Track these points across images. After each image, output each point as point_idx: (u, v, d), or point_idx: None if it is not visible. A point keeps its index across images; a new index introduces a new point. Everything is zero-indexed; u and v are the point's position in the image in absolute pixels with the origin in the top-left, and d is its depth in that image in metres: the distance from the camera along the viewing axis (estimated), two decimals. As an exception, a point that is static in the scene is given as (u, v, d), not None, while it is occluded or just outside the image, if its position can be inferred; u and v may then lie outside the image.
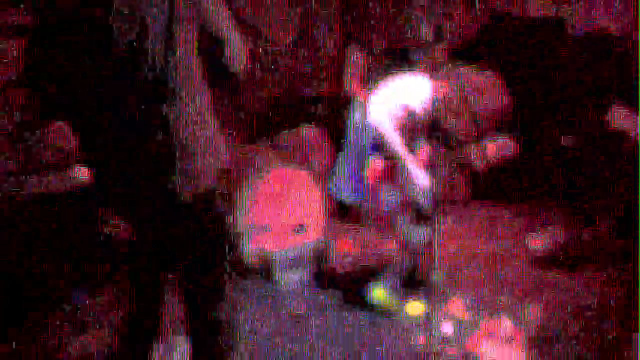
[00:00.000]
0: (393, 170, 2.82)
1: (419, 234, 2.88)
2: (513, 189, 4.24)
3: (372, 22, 4.38)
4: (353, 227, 3.87)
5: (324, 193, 3.39)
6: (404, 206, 2.87)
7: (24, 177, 3.12)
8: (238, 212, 3.37)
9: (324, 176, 3.41)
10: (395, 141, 2.77)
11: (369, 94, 2.95)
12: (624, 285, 3.00)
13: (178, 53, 1.71)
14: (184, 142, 1.75)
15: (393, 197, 2.86)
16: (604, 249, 3.43)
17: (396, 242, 3.01)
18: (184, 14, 1.71)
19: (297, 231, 3.41)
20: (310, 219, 3.47)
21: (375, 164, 2.81)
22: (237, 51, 1.85)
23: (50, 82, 1.70)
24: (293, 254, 3.37)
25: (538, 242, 3.62)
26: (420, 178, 2.81)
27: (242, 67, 1.88)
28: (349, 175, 2.93)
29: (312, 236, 3.45)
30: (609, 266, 3.30)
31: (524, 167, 4.20)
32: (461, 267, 3.39)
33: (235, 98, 4.17)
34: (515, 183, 4.25)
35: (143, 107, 1.70)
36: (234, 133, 3.86)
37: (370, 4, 4.46)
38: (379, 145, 2.79)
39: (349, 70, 3.66)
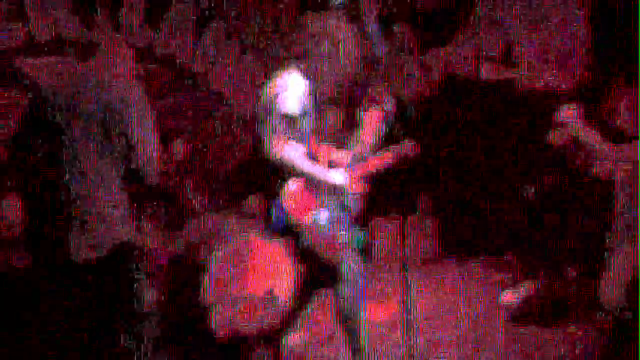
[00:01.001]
0: (310, 188, 2.71)
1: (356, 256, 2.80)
2: (480, 243, 4.28)
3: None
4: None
5: (294, 259, 3.32)
6: (336, 217, 2.77)
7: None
8: (205, 284, 3.26)
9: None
10: (294, 160, 2.64)
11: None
12: (602, 335, 2.98)
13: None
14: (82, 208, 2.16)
15: (321, 214, 2.75)
16: (577, 298, 3.43)
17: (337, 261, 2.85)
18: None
19: (267, 300, 3.31)
20: (281, 288, 3.37)
21: (290, 189, 2.69)
22: (150, 160, 2.27)
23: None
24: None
25: (511, 297, 3.60)
26: (336, 179, 2.73)
27: (154, 175, 2.30)
28: (277, 210, 2.81)
29: (283, 305, 3.34)
30: (584, 316, 3.29)
31: (488, 221, 4.23)
32: (437, 327, 3.32)
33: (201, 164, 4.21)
34: (482, 237, 4.28)
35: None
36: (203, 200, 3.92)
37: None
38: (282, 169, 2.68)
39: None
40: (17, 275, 3.07)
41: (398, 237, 3.32)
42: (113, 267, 2.23)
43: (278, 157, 2.59)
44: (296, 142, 2.63)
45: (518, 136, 4.39)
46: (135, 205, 2.33)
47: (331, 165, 2.80)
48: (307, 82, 2.62)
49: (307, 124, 2.66)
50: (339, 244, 2.80)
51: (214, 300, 3.17)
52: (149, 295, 3.29)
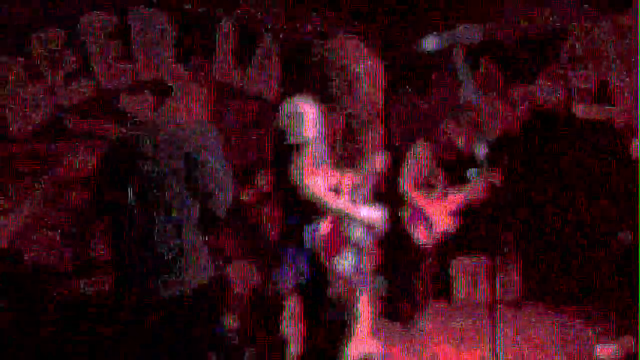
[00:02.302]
0: (338, 230, 2.50)
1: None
2: (568, 290, 4.04)
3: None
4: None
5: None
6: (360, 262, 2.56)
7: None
8: (285, 318, 3.28)
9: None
10: (322, 196, 2.40)
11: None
12: None
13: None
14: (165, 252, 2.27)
15: (349, 260, 2.53)
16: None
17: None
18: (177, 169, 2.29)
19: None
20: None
21: (324, 229, 2.45)
22: (222, 201, 2.31)
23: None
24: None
25: (609, 351, 3.33)
26: (371, 214, 2.53)
27: (224, 213, 2.33)
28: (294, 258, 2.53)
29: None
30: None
31: (582, 266, 4.00)
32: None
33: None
34: (570, 284, 4.05)
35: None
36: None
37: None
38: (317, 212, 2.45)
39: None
40: (102, 309, 3.21)
41: (484, 278, 3.20)
42: (196, 303, 2.26)
43: (305, 191, 2.38)
44: (318, 172, 2.45)
45: (613, 175, 4.16)
46: (215, 242, 2.37)
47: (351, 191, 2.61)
48: (318, 109, 2.45)
49: (322, 152, 2.49)
50: (359, 289, 2.61)
51: (292, 334, 3.18)
52: (231, 327, 3.34)
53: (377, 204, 2.58)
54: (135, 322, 2.27)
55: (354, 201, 2.55)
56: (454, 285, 4.29)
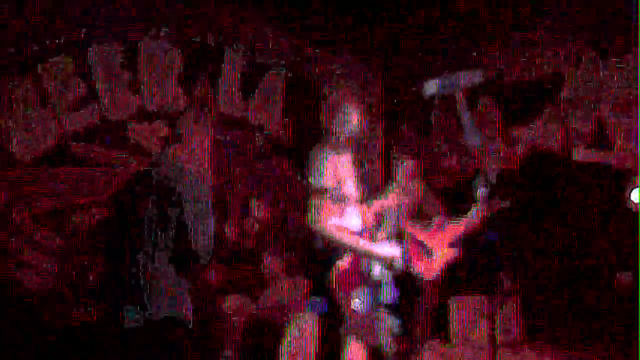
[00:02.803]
0: (354, 269, 2.57)
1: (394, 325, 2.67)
2: (568, 330, 4.01)
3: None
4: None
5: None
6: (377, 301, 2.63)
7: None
8: (280, 353, 3.25)
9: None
10: (339, 236, 2.52)
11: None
12: None
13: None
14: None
15: (364, 296, 2.60)
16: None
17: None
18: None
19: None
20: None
21: (335, 269, 2.55)
22: (204, 242, 2.30)
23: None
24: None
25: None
26: (387, 251, 2.60)
27: (208, 257, 2.31)
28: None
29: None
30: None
31: (578, 307, 3.98)
32: None
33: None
34: (569, 324, 4.01)
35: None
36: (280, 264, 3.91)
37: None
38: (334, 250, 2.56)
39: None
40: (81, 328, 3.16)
41: (483, 318, 3.16)
42: (160, 336, 2.25)
43: (322, 233, 2.51)
44: (341, 215, 2.57)
45: (611, 216, 4.18)
46: (187, 282, 2.37)
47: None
48: (332, 153, 2.60)
49: (348, 191, 2.62)
50: (377, 328, 2.68)
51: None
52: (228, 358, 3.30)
53: (395, 242, 2.65)
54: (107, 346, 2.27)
55: (374, 239, 2.62)
56: (453, 324, 4.25)
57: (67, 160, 3.74)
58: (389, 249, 2.61)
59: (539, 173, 4.47)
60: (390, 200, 2.95)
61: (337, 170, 2.58)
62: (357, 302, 2.56)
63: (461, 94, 2.33)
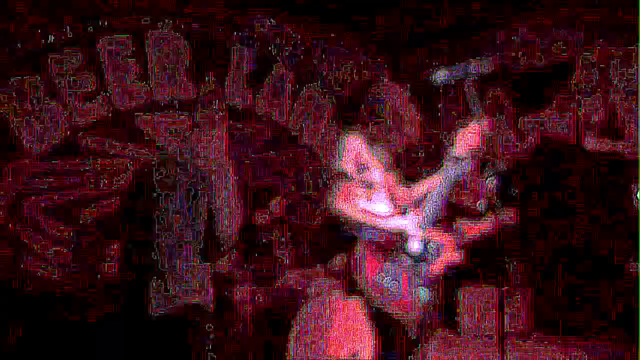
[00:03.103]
0: (372, 250, 2.64)
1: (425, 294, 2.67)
2: (579, 320, 3.98)
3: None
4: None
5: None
6: (405, 275, 2.65)
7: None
8: (290, 344, 3.27)
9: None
10: (356, 214, 2.61)
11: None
12: None
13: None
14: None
15: (390, 273, 2.63)
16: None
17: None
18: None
19: (351, 362, 3.24)
20: (364, 350, 3.30)
21: (358, 255, 2.63)
22: (228, 232, 2.34)
23: None
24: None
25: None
26: (398, 223, 2.64)
27: (232, 243, 2.40)
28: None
29: (366, 366, 3.26)
30: None
31: (587, 298, 3.96)
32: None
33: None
34: (578, 315, 3.99)
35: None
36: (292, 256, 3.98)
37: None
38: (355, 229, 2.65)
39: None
40: (98, 323, 3.22)
41: (492, 308, 3.16)
42: (183, 326, 2.30)
43: (337, 211, 2.62)
44: (360, 196, 2.65)
45: (620, 205, 4.14)
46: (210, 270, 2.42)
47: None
48: (368, 144, 2.70)
49: (374, 178, 2.70)
50: (410, 302, 2.68)
51: (298, 360, 3.17)
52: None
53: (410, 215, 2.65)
54: (124, 339, 2.30)
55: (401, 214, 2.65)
56: (461, 315, 4.24)
57: (78, 152, 3.77)
58: (401, 220, 2.65)
59: (550, 163, 4.43)
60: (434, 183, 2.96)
61: (359, 155, 2.68)
62: (383, 278, 2.58)
63: (471, 83, 2.34)
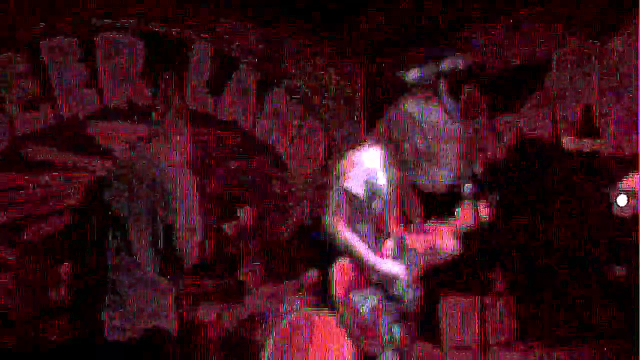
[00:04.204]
0: (361, 272, 2.59)
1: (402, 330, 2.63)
2: (561, 328, 3.86)
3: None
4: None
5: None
6: (382, 307, 2.61)
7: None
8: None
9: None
10: (353, 243, 2.54)
11: None
12: None
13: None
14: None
15: (368, 299, 2.61)
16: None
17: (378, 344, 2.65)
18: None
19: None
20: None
21: (338, 263, 2.57)
22: (189, 247, 2.32)
23: None
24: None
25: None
26: (392, 269, 2.62)
27: (192, 260, 2.34)
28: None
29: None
30: None
31: (574, 303, 3.84)
32: None
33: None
34: (567, 320, 3.87)
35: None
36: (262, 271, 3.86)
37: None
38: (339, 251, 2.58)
39: None
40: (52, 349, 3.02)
41: (475, 317, 3.05)
42: (143, 352, 2.15)
43: (335, 233, 2.54)
44: (361, 221, 2.57)
45: (604, 207, 4.04)
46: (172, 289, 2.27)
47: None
48: (382, 164, 2.60)
49: (380, 205, 2.62)
50: (378, 336, 2.64)
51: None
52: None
53: (401, 261, 2.63)
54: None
55: (388, 255, 2.62)
56: (443, 327, 4.13)
57: (21, 165, 3.49)
58: (394, 267, 2.62)
59: (528, 163, 4.34)
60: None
61: (373, 178, 2.56)
62: (359, 301, 2.55)
63: (444, 81, 2.28)
